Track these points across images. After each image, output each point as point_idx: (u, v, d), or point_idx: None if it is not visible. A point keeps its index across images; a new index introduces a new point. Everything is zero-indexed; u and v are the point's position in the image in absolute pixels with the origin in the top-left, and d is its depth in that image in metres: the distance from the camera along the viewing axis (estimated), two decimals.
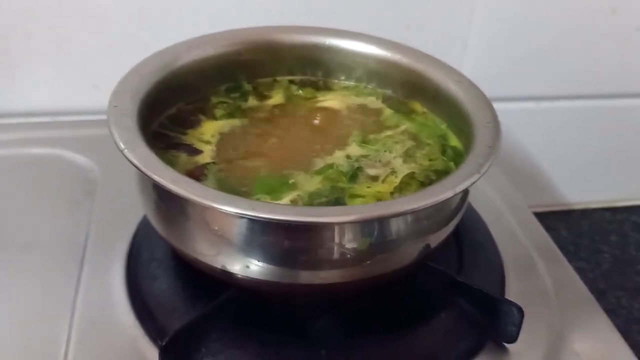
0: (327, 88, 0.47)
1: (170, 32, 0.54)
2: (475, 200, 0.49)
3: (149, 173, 0.29)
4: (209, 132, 0.40)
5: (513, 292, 0.42)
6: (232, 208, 0.28)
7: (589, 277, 0.66)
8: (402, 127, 0.43)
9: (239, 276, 0.33)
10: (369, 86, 0.47)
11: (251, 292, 0.35)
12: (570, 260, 0.47)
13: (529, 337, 0.38)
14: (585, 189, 0.75)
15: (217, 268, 0.33)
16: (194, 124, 0.41)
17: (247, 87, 0.45)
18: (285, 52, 0.46)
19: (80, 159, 0.52)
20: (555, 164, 0.72)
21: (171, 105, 0.41)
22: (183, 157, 0.37)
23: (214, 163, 0.37)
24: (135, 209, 0.45)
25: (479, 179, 0.32)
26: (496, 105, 0.40)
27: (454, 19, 0.60)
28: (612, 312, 0.62)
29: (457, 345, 0.37)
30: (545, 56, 0.64)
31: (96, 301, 0.39)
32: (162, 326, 0.36)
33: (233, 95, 0.45)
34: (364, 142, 0.41)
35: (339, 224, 0.29)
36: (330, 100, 0.46)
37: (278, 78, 0.47)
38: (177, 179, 0.29)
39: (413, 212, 0.30)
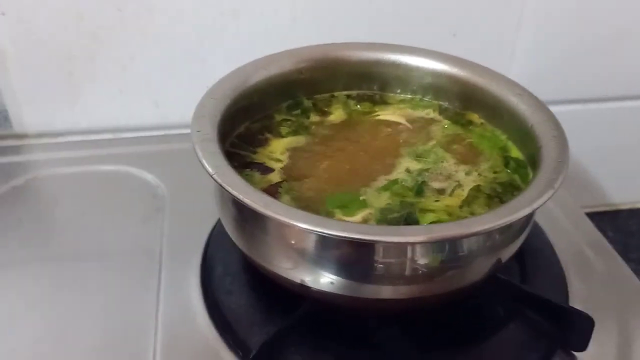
0: (384, 102, 0.48)
1: (227, 51, 0.56)
2: None
3: (241, 197, 0.31)
4: (278, 150, 0.42)
5: (576, 296, 0.43)
6: (327, 230, 0.29)
7: None
8: (448, 132, 0.44)
9: (317, 290, 0.34)
10: (424, 99, 0.48)
11: (327, 306, 0.36)
12: None
13: (596, 343, 0.39)
14: (632, 189, 0.75)
15: (295, 282, 0.35)
16: (262, 142, 0.42)
17: (307, 103, 0.47)
18: (345, 68, 0.47)
19: (146, 175, 0.54)
20: (601, 164, 0.72)
21: (240, 125, 0.43)
22: (256, 175, 0.39)
23: (286, 181, 0.39)
24: (204, 222, 0.47)
25: (553, 194, 0.32)
26: None
27: (501, 25, 0.61)
28: None
29: (527, 356, 0.38)
30: (591, 58, 0.64)
31: (177, 315, 0.40)
32: (243, 339, 0.37)
33: (294, 112, 0.46)
34: (417, 155, 0.42)
35: (423, 243, 0.30)
36: (389, 115, 0.47)
37: (335, 93, 0.48)
38: (269, 202, 0.30)
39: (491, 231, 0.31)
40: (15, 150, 0.58)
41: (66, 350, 0.38)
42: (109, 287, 0.43)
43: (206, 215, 0.46)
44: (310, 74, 0.46)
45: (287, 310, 0.37)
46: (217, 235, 0.45)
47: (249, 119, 0.44)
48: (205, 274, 0.43)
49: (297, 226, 0.29)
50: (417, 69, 0.47)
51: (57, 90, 0.57)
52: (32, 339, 0.39)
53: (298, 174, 0.40)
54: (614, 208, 0.76)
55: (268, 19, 0.55)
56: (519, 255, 0.45)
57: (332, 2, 0.56)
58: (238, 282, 0.41)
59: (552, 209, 0.53)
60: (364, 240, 0.29)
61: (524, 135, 0.41)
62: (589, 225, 0.52)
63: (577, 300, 0.43)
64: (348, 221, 0.34)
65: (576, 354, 0.39)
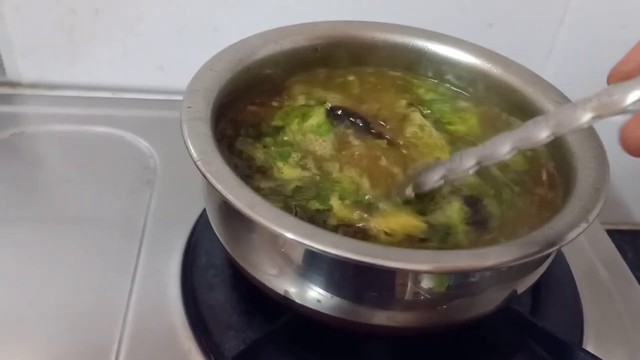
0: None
1: (241, 21, 0.51)
2: None
3: (224, 192, 0.26)
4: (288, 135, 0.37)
5: (591, 329, 0.39)
6: (316, 244, 0.25)
7: None
8: None
9: (302, 305, 0.30)
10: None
11: (312, 321, 0.33)
12: None
13: None
14: None
15: (279, 293, 0.31)
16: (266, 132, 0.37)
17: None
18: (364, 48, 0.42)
19: (140, 142, 0.50)
20: (625, 180, 0.67)
21: (237, 107, 0.38)
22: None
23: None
24: (193, 204, 0.43)
25: (586, 229, 0.28)
26: None
27: (541, 21, 0.55)
28: None
29: None
30: None
31: (149, 305, 0.37)
32: (217, 343, 0.34)
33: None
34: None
35: (426, 272, 0.26)
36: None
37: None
38: (254, 202, 0.26)
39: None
40: (6, 99, 0.54)
41: (32, 315, 0.36)
42: (83, 262, 0.39)
43: (198, 196, 0.42)
44: (326, 51, 0.41)
45: (269, 316, 0.34)
46: (205, 221, 0.41)
47: (249, 99, 0.39)
48: (187, 262, 0.39)
49: (282, 234, 0.25)
50: (450, 61, 0.42)
51: (57, 45, 0.53)
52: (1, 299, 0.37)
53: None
54: (635, 227, 0.71)
55: None
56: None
57: None
58: (221, 276, 0.38)
59: None
60: (356, 261, 0.24)
61: (555, 148, 0.36)
62: (609, 244, 0.48)
63: (591, 334, 0.39)
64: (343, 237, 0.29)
65: None
